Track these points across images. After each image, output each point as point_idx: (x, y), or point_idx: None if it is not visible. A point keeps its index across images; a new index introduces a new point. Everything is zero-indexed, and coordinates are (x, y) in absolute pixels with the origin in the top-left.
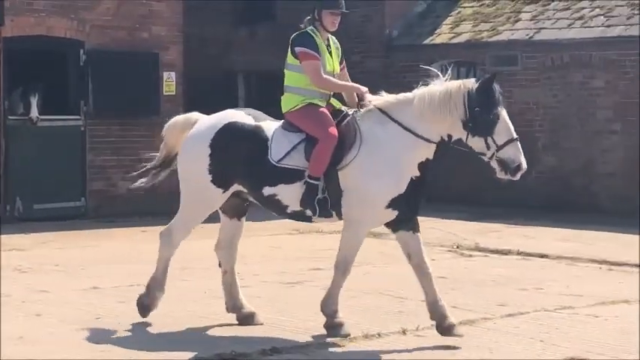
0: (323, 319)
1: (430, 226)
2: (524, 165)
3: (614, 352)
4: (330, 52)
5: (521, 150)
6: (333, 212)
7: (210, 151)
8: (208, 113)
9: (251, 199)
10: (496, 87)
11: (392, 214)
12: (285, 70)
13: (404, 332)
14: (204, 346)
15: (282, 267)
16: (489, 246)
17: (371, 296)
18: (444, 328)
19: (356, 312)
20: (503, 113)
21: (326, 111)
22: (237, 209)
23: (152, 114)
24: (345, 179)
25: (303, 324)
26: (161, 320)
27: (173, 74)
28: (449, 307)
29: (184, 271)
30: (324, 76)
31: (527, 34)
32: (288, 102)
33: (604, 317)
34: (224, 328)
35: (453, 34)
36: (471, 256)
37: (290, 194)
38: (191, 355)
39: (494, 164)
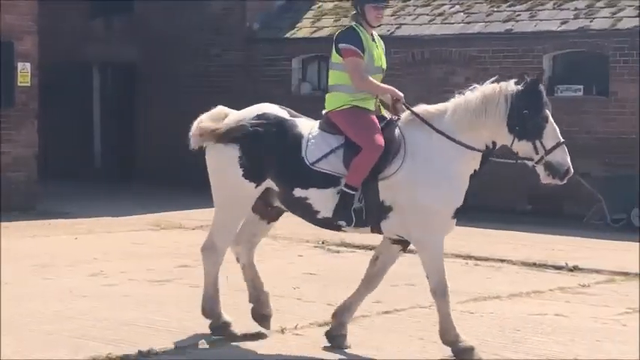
0: (200, 318)
1: (297, 222)
2: (572, 169)
3: (494, 348)
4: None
5: (567, 153)
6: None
7: (240, 143)
8: (64, 104)
9: (277, 202)
10: (542, 88)
11: (453, 225)
12: (330, 70)
13: (282, 331)
14: (75, 349)
15: (149, 264)
16: (355, 241)
17: (245, 294)
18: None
19: (231, 311)
20: (550, 116)
21: (374, 117)
22: (267, 211)
23: (6, 105)
24: (390, 192)
25: (179, 323)
26: (26, 320)
27: (28, 65)
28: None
29: (46, 269)
30: (365, 75)
31: (389, 30)
32: (334, 101)
33: (479, 313)
34: (95, 328)
35: (314, 28)
36: (338, 252)
37: (322, 200)
38: (64, 357)
39: (540, 169)
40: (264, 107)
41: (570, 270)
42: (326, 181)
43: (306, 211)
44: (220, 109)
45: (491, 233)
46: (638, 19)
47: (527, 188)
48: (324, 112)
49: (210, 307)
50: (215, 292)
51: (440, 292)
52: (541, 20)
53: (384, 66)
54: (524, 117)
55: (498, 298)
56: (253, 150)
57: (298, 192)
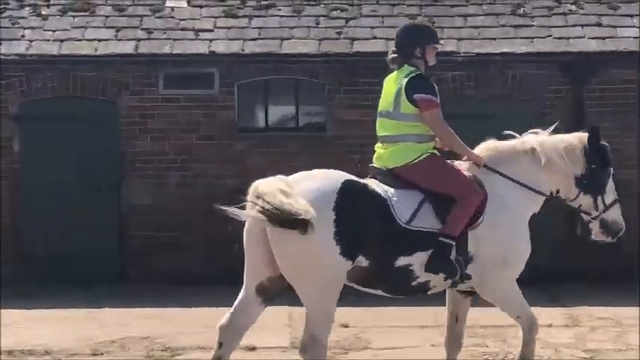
0: None
1: None
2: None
3: None
4: None
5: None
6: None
7: (336, 215)
8: None
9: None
10: (606, 144)
11: None
12: (394, 121)
13: None
14: None
15: None
16: None
17: None
18: None
19: None
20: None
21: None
22: (272, 292)
23: None
24: (474, 242)
25: None
26: None
27: None
28: None
29: None
30: (449, 128)
31: None
32: (404, 154)
33: None
34: None
35: None
36: None
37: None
38: None
39: (595, 225)
40: (336, 173)
41: None
42: (427, 241)
43: (401, 281)
44: (281, 179)
45: None
46: None
47: None
48: (388, 167)
49: None
50: None
51: (533, 325)
52: None
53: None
54: (592, 171)
55: None
56: (349, 223)
57: (403, 260)
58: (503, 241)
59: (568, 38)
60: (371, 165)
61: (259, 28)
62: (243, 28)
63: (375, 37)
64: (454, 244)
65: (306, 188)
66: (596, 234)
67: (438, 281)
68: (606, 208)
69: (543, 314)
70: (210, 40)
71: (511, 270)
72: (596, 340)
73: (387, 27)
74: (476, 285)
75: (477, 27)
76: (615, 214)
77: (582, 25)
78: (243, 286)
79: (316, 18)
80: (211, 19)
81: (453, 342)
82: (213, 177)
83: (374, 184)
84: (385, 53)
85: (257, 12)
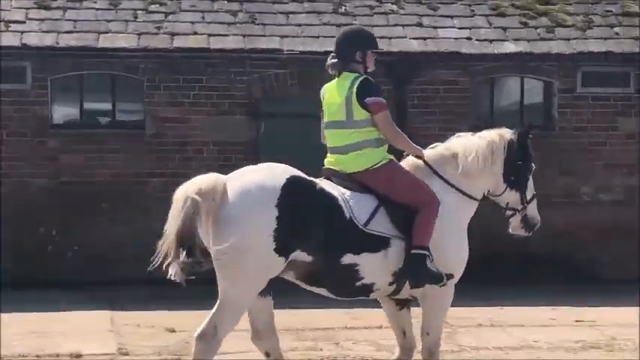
0: None
1: None
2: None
3: None
4: None
5: None
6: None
7: (278, 212)
8: None
9: (288, 276)
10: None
11: None
12: (346, 129)
13: None
14: None
15: None
16: None
17: None
18: None
19: None
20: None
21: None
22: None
23: None
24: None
25: None
26: None
27: None
28: None
29: None
30: (398, 129)
31: None
32: (364, 160)
33: None
34: None
35: None
36: None
37: (371, 264)
38: None
39: (515, 220)
40: (282, 167)
41: None
42: (378, 244)
43: (345, 280)
44: (217, 177)
45: None
46: None
47: None
48: (347, 171)
49: None
50: None
51: (434, 352)
52: None
53: None
54: (518, 167)
55: None
56: (292, 220)
57: (349, 258)
58: (449, 249)
59: (390, 38)
60: (325, 167)
61: (74, 20)
62: (56, 20)
63: (195, 33)
64: (428, 253)
65: (246, 184)
66: (515, 228)
67: (382, 285)
68: (528, 203)
69: (371, 316)
70: (22, 32)
71: (456, 272)
72: None
73: (207, 22)
74: (419, 293)
75: (299, 25)
76: (534, 210)
77: (403, 25)
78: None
79: (134, 11)
80: (23, 10)
81: (408, 352)
82: (24, 176)
83: (326, 184)
84: (206, 49)
85: (71, 4)
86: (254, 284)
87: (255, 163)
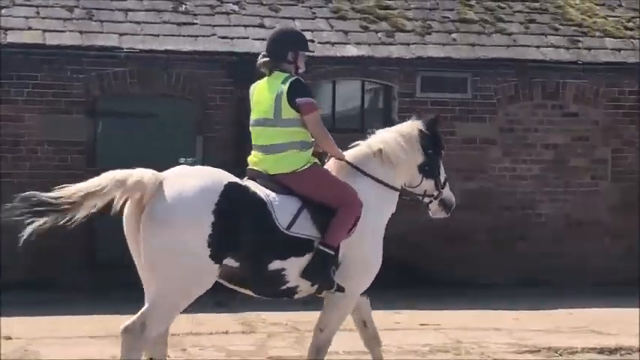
0: None
1: None
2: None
3: None
4: None
5: None
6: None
7: (215, 218)
8: None
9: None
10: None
11: None
12: (274, 128)
13: None
14: None
15: None
16: None
17: None
18: None
19: None
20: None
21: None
22: None
23: None
24: (348, 248)
25: None
26: None
27: None
28: None
29: None
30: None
31: None
32: (289, 161)
33: None
34: None
35: None
36: None
37: (298, 269)
38: None
39: (433, 205)
40: (221, 175)
41: None
42: (303, 247)
43: (272, 284)
44: (153, 173)
45: None
46: None
47: None
48: (270, 173)
49: None
50: None
51: (322, 350)
52: None
53: None
54: (430, 156)
55: None
56: (227, 226)
57: (276, 264)
58: (368, 248)
59: (232, 38)
60: (249, 168)
61: None
62: None
63: (30, 28)
64: (334, 254)
65: (185, 187)
66: (435, 212)
67: (305, 287)
68: (442, 187)
69: (215, 321)
70: None
71: (369, 277)
72: (277, 347)
73: (42, 17)
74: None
75: (138, 22)
76: (449, 192)
77: (245, 26)
78: (145, 290)
79: None
80: None
81: (371, 342)
82: None
83: (255, 186)
84: (42, 45)
85: None
86: (187, 288)
87: (93, 164)
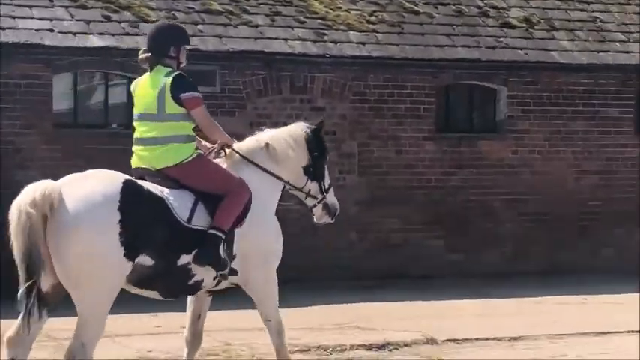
0: None
1: None
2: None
3: None
4: None
5: None
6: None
7: (121, 216)
8: None
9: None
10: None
11: None
12: (156, 123)
13: None
14: None
15: None
16: None
17: None
18: None
19: None
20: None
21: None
22: (56, 301)
23: None
24: (243, 238)
25: None
26: None
27: None
28: None
29: None
30: (215, 122)
31: None
32: (174, 155)
33: None
34: None
35: None
36: None
37: None
38: None
39: (318, 209)
40: (115, 175)
41: None
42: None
43: (180, 279)
44: (45, 186)
45: None
46: None
47: None
48: (156, 167)
49: None
50: None
51: (282, 332)
52: None
53: None
54: (315, 158)
55: None
56: (133, 224)
57: (184, 258)
58: (262, 237)
59: None
60: (135, 167)
61: None
62: None
63: None
64: (224, 237)
65: (87, 190)
66: (319, 217)
67: (208, 280)
68: (326, 191)
69: None
70: None
71: (271, 266)
72: (38, 358)
73: None
74: (242, 283)
75: None
76: (333, 198)
77: None
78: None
79: None
80: None
81: (194, 340)
82: None
83: (148, 184)
84: None
85: None
86: (109, 291)
87: None
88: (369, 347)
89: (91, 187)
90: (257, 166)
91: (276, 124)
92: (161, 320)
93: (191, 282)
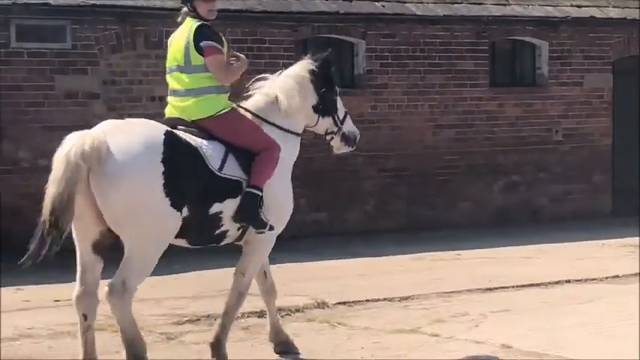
0: None
1: None
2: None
3: None
4: None
5: None
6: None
7: (164, 168)
8: None
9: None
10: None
11: None
12: (186, 74)
13: None
14: None
15: None
16: None
17: None
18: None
19: None
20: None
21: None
22: (106, 246)
23: None
24: (266, 194)
25: None
26: None
27: None
28: None
29: None
30: (227, 69)
31: None
32: (208, 106)
33: None
34: None
35: None
36: None
37: (231, 211)
38: None
39: (336, 141)
40: (155, 124)
41: None
42: (235, 188)
43: (209, 228)
44: (97, 135)
45: None
46: None
47: None
48: (191, 118)
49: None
50: (140, 340)
51: (243, 293)
52: None
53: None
54: (324, 94)
55: None
56: (177, 174)
57: (216, 207)
58: (279, 190)
59: None
60: (168, 117)
61: None
62: None
63: None
64: (262, 195)
65: (132, 141)
66: (338, 147)
67: (233, 231)
68: (342, 122)
69: None
70: None
71: (284, 217)
72: None
73: None
74: (251, 235)
75: None
76: (350, 125)
77: None
78: (78, 251)
79: None
80: None
81: (269, 292)
82: None
83: (185, 134)
84: None
85: None
86: (157, 242)
87: None
88: (261, 314)
89: (135, 138)
90: (275, 125)
91: (131, 82)
92: (27, 294)
93: (218, 232)
